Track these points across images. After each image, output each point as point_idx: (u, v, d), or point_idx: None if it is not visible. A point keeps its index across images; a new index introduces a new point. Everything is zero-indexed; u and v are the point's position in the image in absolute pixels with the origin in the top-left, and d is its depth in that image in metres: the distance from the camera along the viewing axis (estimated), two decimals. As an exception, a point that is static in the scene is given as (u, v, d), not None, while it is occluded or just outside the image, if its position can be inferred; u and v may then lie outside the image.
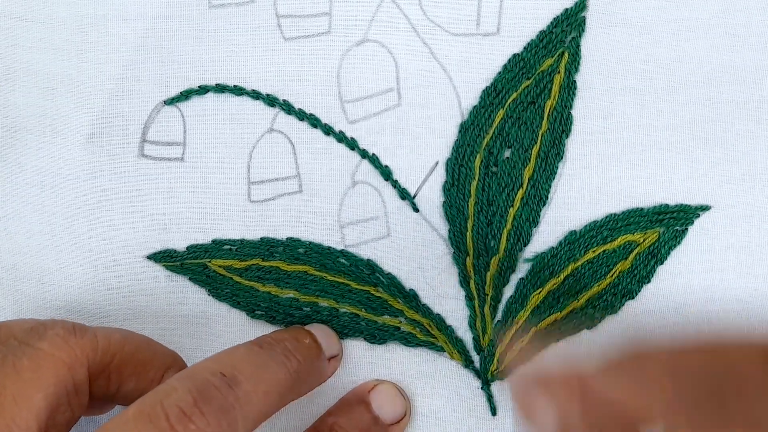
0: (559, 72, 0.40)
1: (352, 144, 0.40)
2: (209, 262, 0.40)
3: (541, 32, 0.40)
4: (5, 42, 0.40)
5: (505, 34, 0.40)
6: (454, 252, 0.40)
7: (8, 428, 0.30)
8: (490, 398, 0.40)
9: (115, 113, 0.40)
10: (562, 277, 0.40)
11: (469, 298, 0.40)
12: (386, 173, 0.40)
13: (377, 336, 0.40)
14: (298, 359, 0.35)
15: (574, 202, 0.40)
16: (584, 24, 0.40)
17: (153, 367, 0.35)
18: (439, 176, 0.40)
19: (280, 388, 0.33)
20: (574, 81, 0.40)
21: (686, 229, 0.40)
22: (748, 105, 0.40)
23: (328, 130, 0.40)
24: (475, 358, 0.40)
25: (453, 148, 0.40)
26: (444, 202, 0.40)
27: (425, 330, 0.40)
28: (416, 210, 0.40)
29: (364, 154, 0.40)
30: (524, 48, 0.40)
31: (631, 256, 0.40)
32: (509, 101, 0.40)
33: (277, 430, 0.40)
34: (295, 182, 0.40)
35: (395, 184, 0.40)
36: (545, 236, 0.40)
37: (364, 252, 0.40)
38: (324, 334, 0.38)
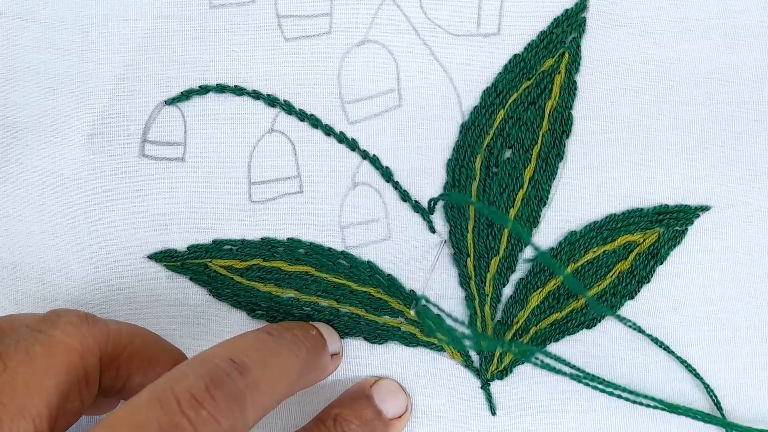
0: (559, 72, 0.40)
1: (352, 145, 0.40)
2: (210, 262, 0.40)
3: (542, 33, 0.40)
4: (6, 42, 0.40)
5: (506, 34, 0.40)
6: (454, 253, 0.40)
7: (20, 414, 0.30)
8: (489, 398, 0.40)
9: (115, 113, 0.40)
10: (561, 277, 0.40)
11: (469, 299, 0.40)
12: (387, 174, 0.40)
13: (378, 336, 0.40)
14: (306, 347, 0.35)
15: (574, 202, 0.40)
16: (585, 24, 0.40)
17: (160, 363, 0.35)
18: (440, 177, 0.40)
19: (289, 376, 0.33)
20: (575, 81, 0.40)
21: (686, 229, 0.40)
22: (748, 105, 0.40)
23: (328, 131, 0.40)
24: (475, 357, 0.40)
25: (454, 148, 0.40)
26: (444, 203, 0.40)
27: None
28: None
29: (364, 155, 0.40)
30: (525, 48, 0.40)
31: (631, 256, 0.40)
32: (510, 102, 0.40)
33: (279, 428, 0.40)
34: (296, 183, 0.40)
35: (396, 186, 0.40)
36: (545, 236, 0.40)
37: (365, 253, 0.40)
38: (326, 330, 0.39)
